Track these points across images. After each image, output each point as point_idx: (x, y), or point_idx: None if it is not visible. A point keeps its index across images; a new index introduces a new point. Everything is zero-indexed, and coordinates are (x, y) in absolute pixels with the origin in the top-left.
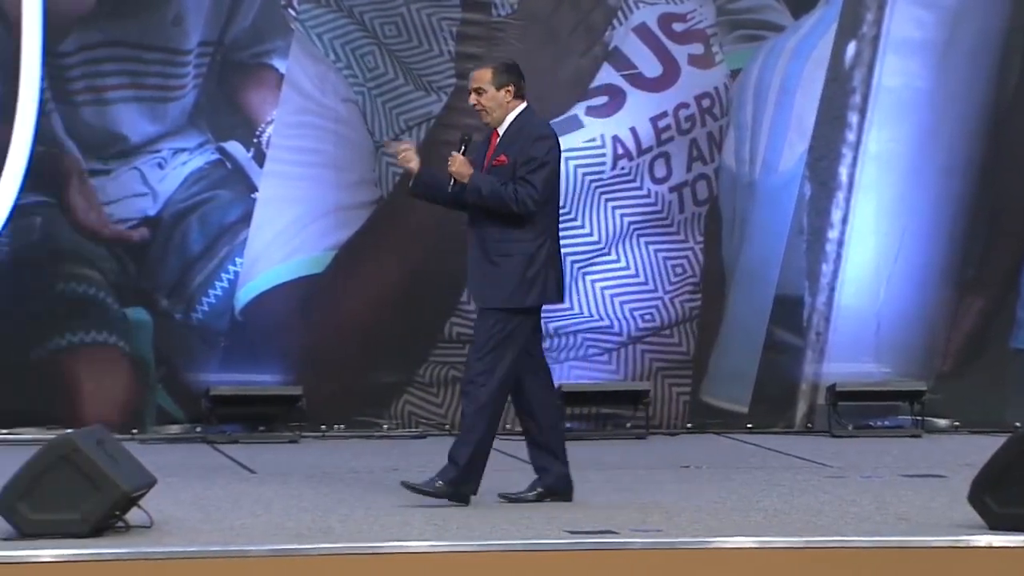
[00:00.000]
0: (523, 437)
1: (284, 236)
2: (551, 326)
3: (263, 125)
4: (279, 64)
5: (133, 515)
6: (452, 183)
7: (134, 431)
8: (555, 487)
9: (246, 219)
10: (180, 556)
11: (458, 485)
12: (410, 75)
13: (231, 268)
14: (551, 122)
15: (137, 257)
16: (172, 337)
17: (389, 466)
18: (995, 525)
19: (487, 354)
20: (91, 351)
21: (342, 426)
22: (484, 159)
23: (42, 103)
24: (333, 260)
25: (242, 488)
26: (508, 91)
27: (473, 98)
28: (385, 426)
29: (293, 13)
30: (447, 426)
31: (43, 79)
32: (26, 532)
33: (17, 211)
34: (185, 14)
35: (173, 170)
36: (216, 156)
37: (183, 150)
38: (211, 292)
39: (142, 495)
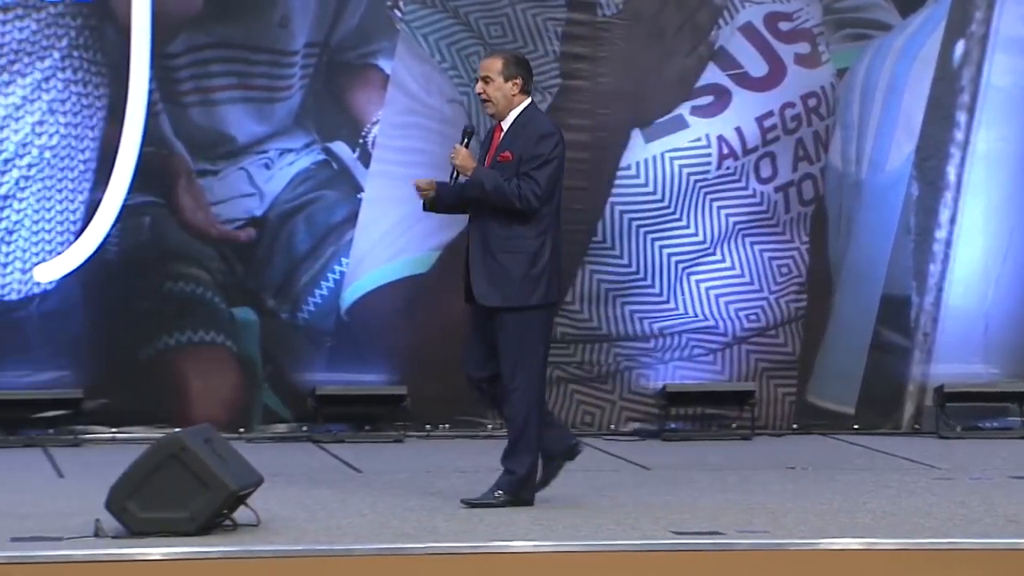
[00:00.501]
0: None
1: (389, 236)
2: (656, 326)
3: (369, 125)
4: (385, 64)
5: (241, 514)
6: (454, 176)
7: (241, 430)
8: (565, 452)
9: (352, 219)
10: (287, 555)
11: (518, 492)
12: None
13: (337, 268)
14: (655, 122)
15: (244, 257)
16: (278, 337)
17: (494, 466)
18: None
19: (516, 357)
20: (199, 350)
21: (447, 426)
22: (487, 154)
23: (151, 104)
24: (438, 260)
25: (348, 487)
26: (516, 84)
27: (480, 86)
28: (489, 426)
29: (399, 14)
30: None
31: (152, 80)
32: (135, 530)
33: (126, 211)
34: (292, 15)
35: (280, 170)
36: (322, 156)
37: (290, 150)
38: (317, 292)
39: (249, 494)
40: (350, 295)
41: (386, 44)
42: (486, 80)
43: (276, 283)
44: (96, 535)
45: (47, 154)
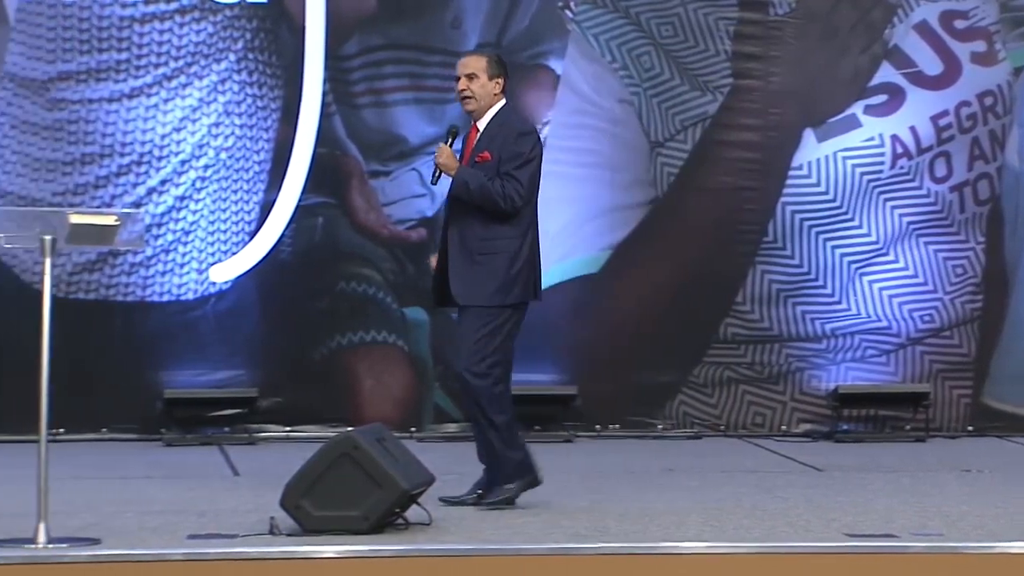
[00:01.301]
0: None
1: (560, 236)
2: (828, 327)
3: (539, 126)
4: (555, 65)
5: (413, 513)
6: (435, 174)
7: (412, 429)
8: None
9: None
10: (459, 554)
11: (523, 477)
12: (686, 75)
13: None
14: (828, 121)
15: (415, 257)
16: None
17: (664, 466)
18: None
19: (478, 352)
20: (370, 350)
21: (616, 426)
22: (464, 154)
23: (324, 106)
24: (608, 260)
25: None
26: (498, 83)
27: (463, 83)
28: (659, 426)
29: (570, 14)
30: (722, 427)
31: (325, 82)
32: (309, 528)
33: (300, 212)
34: (464, 16)
35: None
36: None
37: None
38: None
39: (421, 493)
40: None
41: (557, 45)
42: (470, 77)
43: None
44: (271, 533)
45: (223, 155)
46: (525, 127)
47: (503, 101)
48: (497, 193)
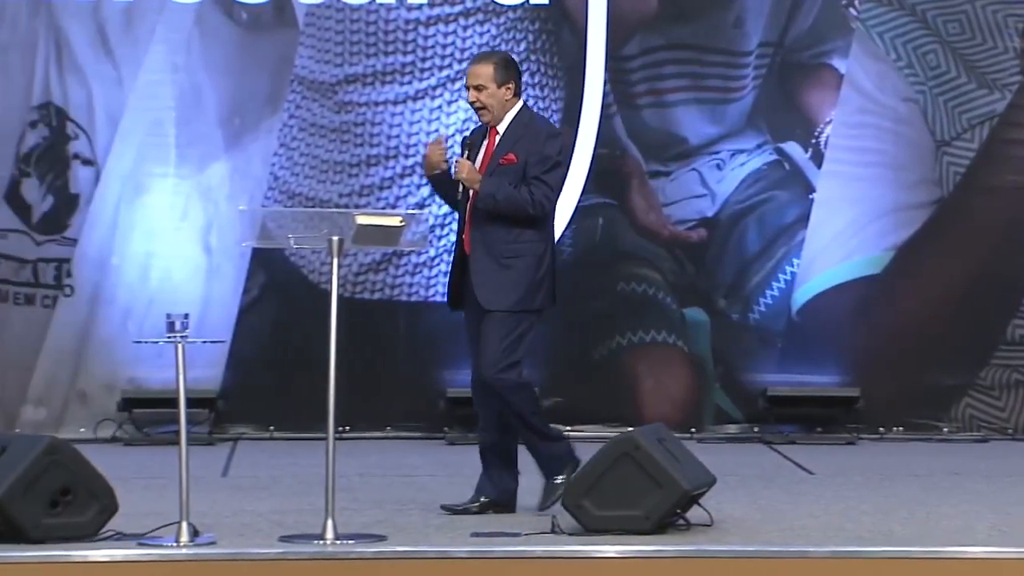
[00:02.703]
0: (476, 443)
1: (842, 236)
2: None
3: (822, 125)
4: (839, 64)
5: (694, 513)
6: (460, 191)
7: (692, 430)
8: (500, 499)
9: (803, 220)
10: (740, 555)
11: (569, 464)
12: (973, 73)
13: (788, 269)
14: None
15: (695, 258)
16: (729, 337)
17: (950, 469)
18: None
19: (505, 358)
20: (650, 350)
21: (900, 428)
22: (484, 157)
23: (604, 106)
24: (892, 260)
25: (800, 489)
26: (508, 88)
27: (473, 95)
28: (945, 429)
29: (854, 12)
30: (1010, 430)
31: (606, 83)
32: (591, 528)
33: (580, 212)
34: (745, 16)
35: (731, 171)
36: (774, 157)
37: (741, 151)
38: (768, 293)
39: (703, 494)
40: (801, 296)
41: (840, 43)
42: (479, 88)
43: (727, 284)
44: (553, 532)
45: None
46: (553, 130)
47: (520, 103)
48: (526, 201)
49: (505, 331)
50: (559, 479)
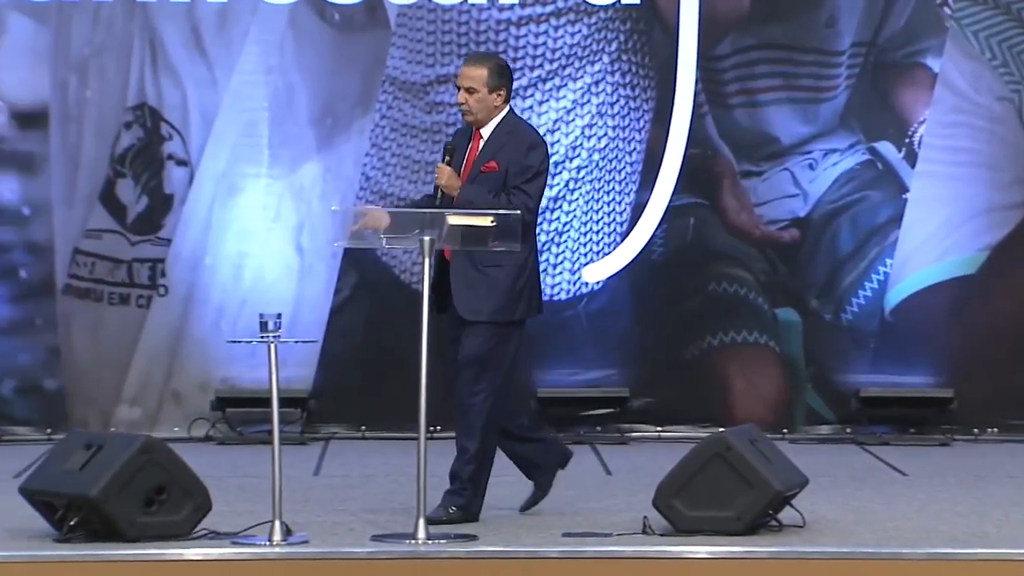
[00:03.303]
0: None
1: (936, 237)
2: None
3: (915, 125)
4: (932, 63)
5: (786, 514)
6: (439, 196)
7: (784, 431)
8: (551, 466)
9: (896, 220)
10: (833, 556)
11: (469, 507)
12: None
13: (881, 269)
14: None
15: (787, 258)
16: (821, 338)
17: None
18: None
19: (480, 369)
20: (742, 351)
21: (995, 429)
22: (465, 162)
23: (696, 106)
24: (986, 260)
25: (894, 490)
26: (499, 95)
27: (462, 96)
28: None
29: (948, 11)
30: None
31: (697, 82)
32: (682, 528)
33: (671, 212)
34: (839, 15)
35: (824, 171)
36: (867, 156)
37: (834, 151)
38: (860, 293)
39: (795, 495)
40: (894, 296)
41: (934, 42)
42: (469, 91)
43: (819, 284)
44: (644, 532)
45: (595, 156)
46: (535, 139)
47: (506, 110)
48: (504, 209)
49: (484, 343)
50: (453, 510)
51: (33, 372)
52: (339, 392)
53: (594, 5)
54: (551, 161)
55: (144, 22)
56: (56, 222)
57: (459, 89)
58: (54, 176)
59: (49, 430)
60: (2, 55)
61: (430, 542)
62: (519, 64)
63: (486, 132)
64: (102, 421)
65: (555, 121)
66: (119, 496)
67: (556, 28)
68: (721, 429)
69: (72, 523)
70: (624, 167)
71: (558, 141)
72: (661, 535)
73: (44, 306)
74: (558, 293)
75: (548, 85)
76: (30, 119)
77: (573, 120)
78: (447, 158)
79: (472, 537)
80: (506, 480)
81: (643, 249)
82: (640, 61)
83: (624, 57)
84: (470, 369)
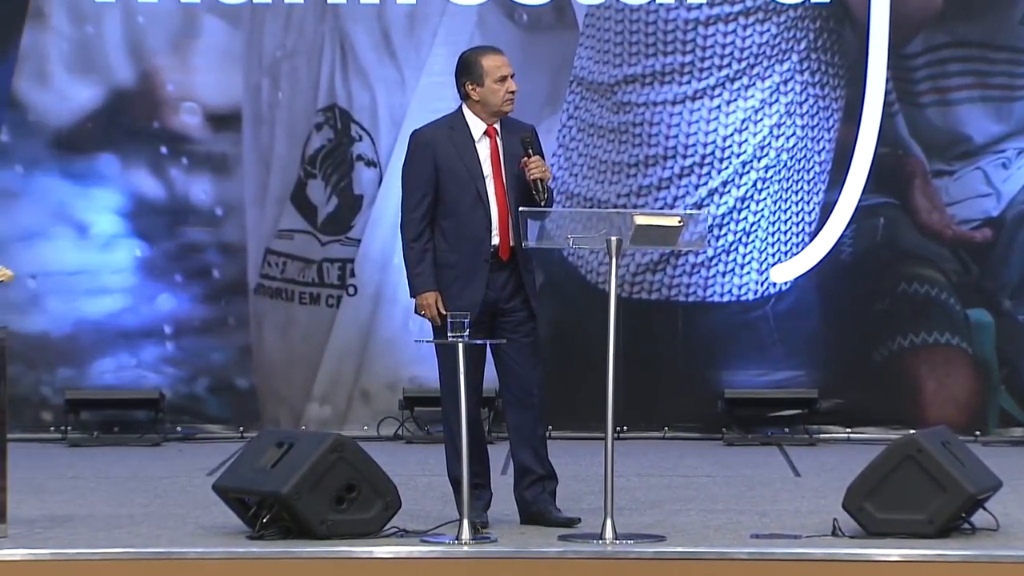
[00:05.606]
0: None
1: None
2: None
3: None
4: None
5: (979, 517)
6: (542, 189)
7: (977, 433)
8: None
9: None
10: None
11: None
12: None
13: None
14: None
15: (979, 258)
16: (1015, 338)
17: None
18: None
19: (540, 362)
20: (933, 352)
21: None
22: (491, 157)
23: (886, 105)
24: None
25: None
26: None
27: (513, 84)
28: None
29: None
30: None
31: (888, 81)
32: (872, 531)
33: (860, 212)
34: None
35: (1017, 170)
36: None
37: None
38: None
39: (988, 497)
40: None
41: None
42: (513, 77)
43: (1012, 284)
44: (834, 534)
45: (784, 156)
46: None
47: None
48: (552, 199)
49: (538, 338)
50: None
51: (226, 371)
52: None
53: (783, 4)
54: (739, 161)
55: (334, 24)
56: (248, 222)
57: (508, 79)
58: (247, 177)
59: (241, 428)
60: (197, 58)
61: (617, 542)
62: (707, 63)
63: (498, 125)
64: (293, 419)
65: (743, 120)
66: (310, 494)
67: (745, 27)
68: (912, 431)
69: (264, 520)
70: (813, 166)
71: (746, 140)
72: (851, 537)
73: (236, 306)
74: (745, 293)
75: (736, 84)
76: (223, 121)
77: (761, 119)
78: (529, 150)
79: (660, 538)
80: (696, 482)
81: (832, 249)
82: (830, 60)
83: (813, 56)
84: (535, 365)
